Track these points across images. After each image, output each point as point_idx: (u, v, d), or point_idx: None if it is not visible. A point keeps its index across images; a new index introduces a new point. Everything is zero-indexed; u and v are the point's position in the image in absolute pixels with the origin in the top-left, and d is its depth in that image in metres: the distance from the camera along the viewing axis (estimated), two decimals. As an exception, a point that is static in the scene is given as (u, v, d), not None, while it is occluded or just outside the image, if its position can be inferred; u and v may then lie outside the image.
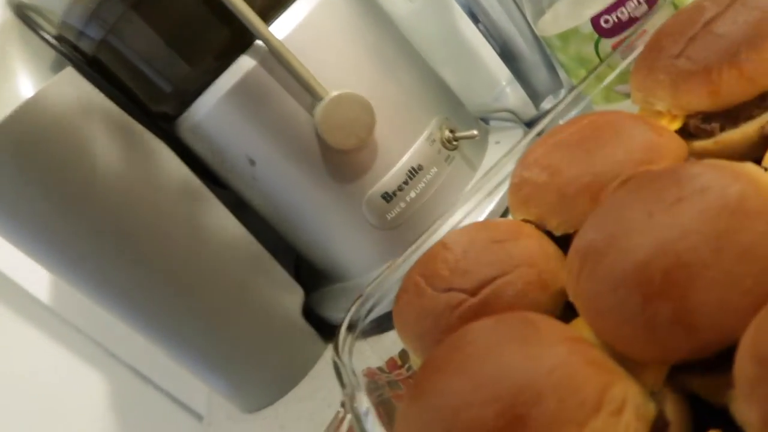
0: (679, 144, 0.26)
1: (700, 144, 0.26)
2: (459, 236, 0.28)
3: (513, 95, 0.54)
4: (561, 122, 0.34)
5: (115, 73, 0.38)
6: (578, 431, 0.17)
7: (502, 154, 0.37)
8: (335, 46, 0.37)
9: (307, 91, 0.35)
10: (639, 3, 0.35)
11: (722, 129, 0.26)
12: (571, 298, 0.22)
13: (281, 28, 0.35)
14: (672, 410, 0.19)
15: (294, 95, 0.36)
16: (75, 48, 0.38)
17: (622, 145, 0.26)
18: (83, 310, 0.59)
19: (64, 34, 0.37)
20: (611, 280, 0.20)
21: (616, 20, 0.35)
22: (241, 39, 0.35)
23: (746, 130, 0.25)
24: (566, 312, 0.24)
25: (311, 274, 0.48)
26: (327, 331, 0.47)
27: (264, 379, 0.45)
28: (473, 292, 0.25)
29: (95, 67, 0.38)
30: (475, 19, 0.40)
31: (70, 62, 0.37)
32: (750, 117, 0.25)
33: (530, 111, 0.46)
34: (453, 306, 0.25)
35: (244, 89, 0.36)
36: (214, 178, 0.43)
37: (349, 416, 0.26)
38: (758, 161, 0.23)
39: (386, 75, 0.39)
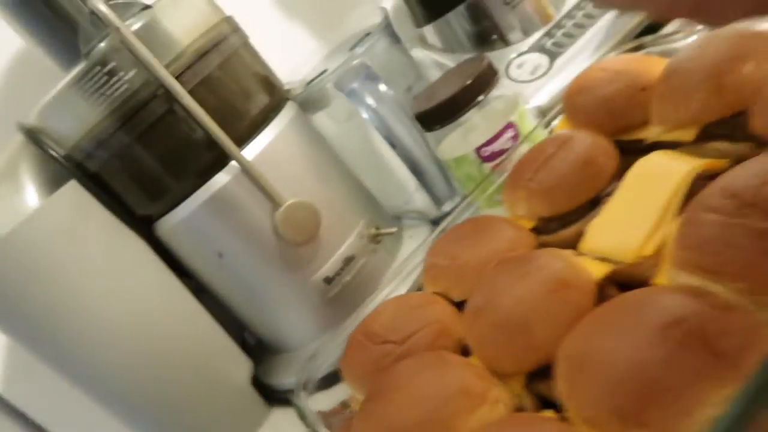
0: (531, 238, 0.39)
1: (544, 238, 0.39)
2: (388, 305, 0.39)
3: (420, 200, 0.67)
4: (458, 221, 0.47)
5: (112, 185, 0.47)
6: (471, 414, 0.28)
7: (414, 246, 0.49)
8: (289, 164, 0.49)
9: (269, 200, 0.46)
10: (507, 139, 0.49)
11: (559, 229, 0.39)
12: (467, 341, 0.33)
13: (250, 151, 0.47)
14: (528, 403, 0.30)
15: (258, 203, 0.47)
16: (79, 165, 0.47)
17: (495, 239, 0.39)
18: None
19: (72, 155, 0.46)
20: (489, 326, 0.31)
21: (493, 150, 0.49)
22: (218, 160, 0.46)
23: (572, 230, 0.38)
24: (464, 352, 0.35)
25: (259, 346, 0.57)
26: (272, 396, 0.55)
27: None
28: (401, 343, 0.36)
29: (95, 180, 0.47)
30: (391, 144, 0.53)
31: (73, 176, 0.46)
32: (576, 221, 0.39)
33: (434, 212, 0.59)
34: (387, 354, 0.36)
35: (218, 199, 0.46)
36: (181, 269, 0.52)
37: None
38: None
39: (327, 186, 0.51)
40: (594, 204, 0.38)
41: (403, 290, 0.45)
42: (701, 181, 0.32)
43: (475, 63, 0.50)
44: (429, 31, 0.65)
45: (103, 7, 0.41)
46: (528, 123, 0.51)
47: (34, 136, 0.46)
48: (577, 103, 0.45)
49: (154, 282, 0.49)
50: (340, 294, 0.50)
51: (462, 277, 0.38)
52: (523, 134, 0.50)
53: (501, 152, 0.49)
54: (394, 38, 0.60)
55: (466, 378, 0.30)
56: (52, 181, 0.47)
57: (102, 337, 0.46)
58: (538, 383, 0.30)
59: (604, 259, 0.33)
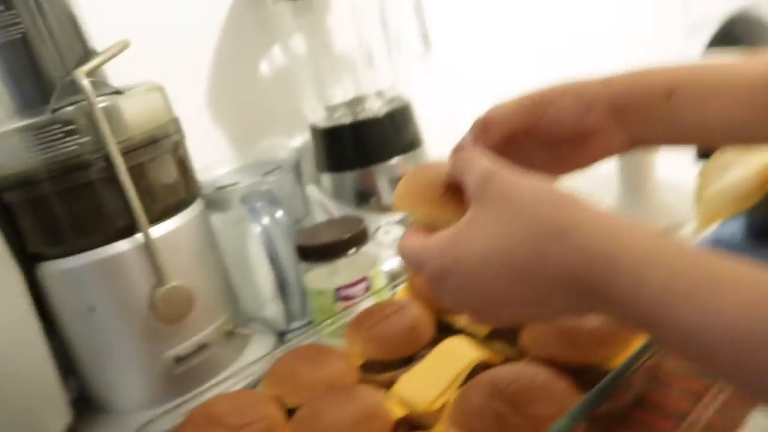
0: (357, 373, 0.51)
1: (367, 375, 0.51)
2: (231, 394, 0.48)
3: (271, 311, 0.77)
4: (303, 342, 0.57)
5: (18, 217, 0.52)
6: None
7: (257, 350, 0.59)
8: (183, 251, 0.57)
9: (156, 276, 0.54)
10: (361, 289, 0.62)
11: (379, 372, 0.52)
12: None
13: (155, 231, 0.54)
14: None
15: (144, 276, 0.54)
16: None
17: (331, 367, 0.50)
18: None
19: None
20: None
21: (347, 294, 0.61)
22: (125, 231, 0.53)
23: (387, 376, 0.50)
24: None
25: (79, 402, 0.60)
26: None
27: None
28: (235, 430, 0.44)
29: (3, 210, 0.52)
30: (271, 259, 0.63)
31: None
32: (393, 370, 0.51)
33: (282, 325, 0.69)
34: (223, 436, 0.44)
35: (112, 262, 0.53)
36: (44, 313, 0.56)
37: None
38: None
39: (207, 277, 0.59)
40: (409, 360, 0.51)
41: (239, 386, 0.53)
42: (481, 367, 0.46)
43: (354, 223, 0.64)
44: (326, 176, 0.79)
45: (85, 82, 0.49)
46: (379, 281, 0.64)
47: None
48: (415, 283, 0.59)
49: (15, 314, 0.52)
50: (184, 374, 0.57)
51: (297, 389, 0.48)
52: (373, 289, 0.63)
53: (352, 297, 0.62)
54: (298, 178, 0.72)
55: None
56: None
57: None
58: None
59: (405, 404, 0.45)
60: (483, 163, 0.34)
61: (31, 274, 0.54)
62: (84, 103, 0.49)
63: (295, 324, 0.68)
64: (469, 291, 0.33)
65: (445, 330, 0.54)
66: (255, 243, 0.74)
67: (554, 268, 0.29)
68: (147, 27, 0.67)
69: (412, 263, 0.36)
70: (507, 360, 0.49)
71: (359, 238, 0.63)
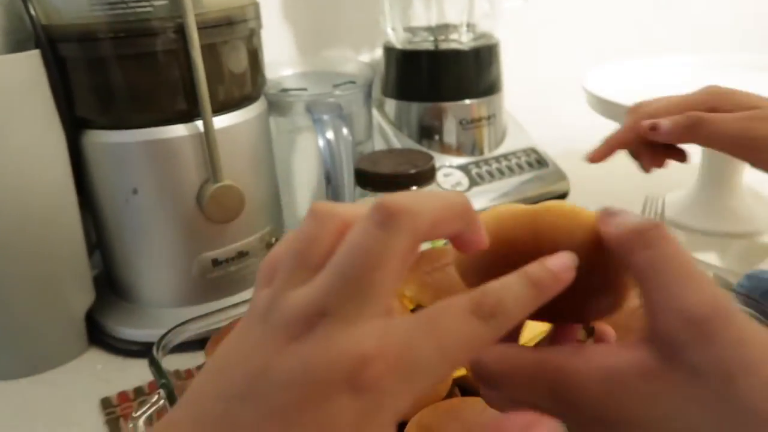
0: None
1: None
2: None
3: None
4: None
5: (71, 76, 0.47)
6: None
7: None
8: (240, 150, 0.52)
9: (210, 171, 0.49)
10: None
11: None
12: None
13: (216, 123, 0.49)
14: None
15: (196, 169, 0.49)
16: (52, 43, 0.46)
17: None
18: None
19: (53, 31, 0.45)
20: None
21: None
22: (185, 114, 0.48)
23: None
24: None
25: (108, 284, 0.57)
26: (95, 336, 0.55)
27: (19, 353, 0.50)
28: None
29: (57, 63, 0.46)
30: (327, 177, 0.58)
31: (41, 48, 0.45)
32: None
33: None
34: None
35: (165, 146, 0.48)
36: (80, 187, 0.51)
37: (162, 402, 0.38)
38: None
39: (258, 183, 0.55)
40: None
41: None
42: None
43: (422, 158, 0.59)
44: (391, 103, 0.73)
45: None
46: (436, 225, 0.60)
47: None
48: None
49: (53, 177, 0.48)
50: (219, 279, 0.53)
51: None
52: (429, 232, 0.58)
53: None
54: (368, 98, 0.67)
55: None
56: (13, 40, 0.46)
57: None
58: None
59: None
60: (704, 287, 0.21)
61: (76, 141, 0.50)
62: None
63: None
64: None
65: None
66: (306, 156, 0.70)
67: None
68: None
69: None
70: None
71: (426, 175, 0.57)
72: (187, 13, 0.45)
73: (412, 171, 0.57)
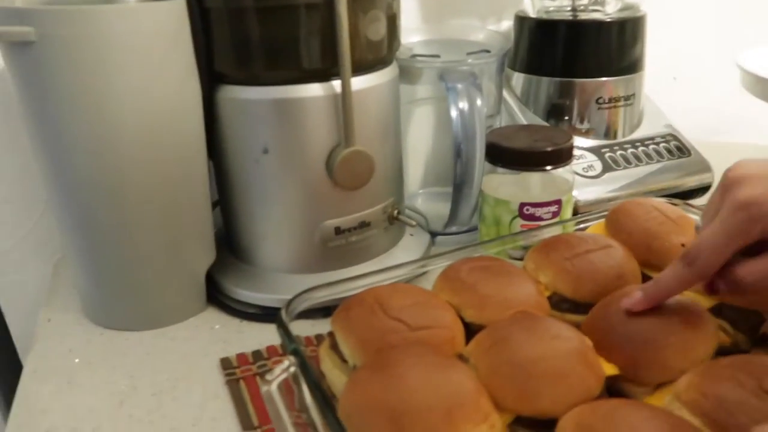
0: (547, 305, 0.43)
1: (553, 311, 0.43)
2: (409, 289, 0.41)
3: (423, 204, 0.70)
4: (465, 254, 0.49)
5: (213, 28, 0.46)
6: (474, 426, 0.31)
7: (411, 243, 0.53)
8: (372, 115, 0.50)
9: (343, 134, 0.47)
10: (548, 212, 0.53)
11: (569, 312, 0.44)
12: (473, 361, 0.36)
13: (356, 82, 0.47)
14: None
15: (328, 131, 0.47)
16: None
17: (521, 289, 0.42)
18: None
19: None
20: (507, 362, 0.34)
21: (533, 213, 0.53)
22: (322, 73, 0.46)
23: (580, 319, 0.43)
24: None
25: (227, 245, 0.56)
26: (212, 296, 0.54)
27: (143, 306, 0.51)
28: (413, 329, 0.38)
29: (202, 14, 0.45)
30: (457, 150, 0.54)
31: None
32: (584, 314, 0.43)
33: (437, 227, 0.62)
34: (396, 331, 0.37)
35: (300, 105, 0.46)
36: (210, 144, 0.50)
37: (293, 369, 0.36)
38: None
39: (386, 151, 0.52)
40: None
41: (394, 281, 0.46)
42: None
43: (562, 136, 0.54)
44: (518, 77, 0.69)
45: None
46: (569, 210, 0.55)
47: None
48: (621, 222, 0.50)
49: (187, 130, 0.47)
50: (339, 248, 0.51)
51: (482, 305, 0.41)
52: (562, 217, 0.54)
53: (537, 219, 0.53)
54: (501, 69, 0.62)
55: (476, 392, 0.32)
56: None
57: (112, 150, 0.44)
58: (519, 428, 0.34)
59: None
60: None
61: (211, 96, 0.49)
62: None
63: (452, 229, 0.61)
64: None
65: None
66: (426, 127, 0.66)
67: None
68: None
69: None
70: (733, 345, 0.40)
71: (563, 155, 0.53)
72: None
73: (549, 149, 0.53)
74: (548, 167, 0.53)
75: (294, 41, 0.45)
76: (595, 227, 0.53)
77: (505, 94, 0.69)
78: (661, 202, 0.52)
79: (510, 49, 0.68)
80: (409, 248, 0.57)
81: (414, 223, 0.55)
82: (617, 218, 0.51)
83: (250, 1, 0.44)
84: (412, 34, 0.64)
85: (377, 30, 0.49)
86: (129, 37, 0.42)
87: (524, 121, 0.66)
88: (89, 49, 0.41)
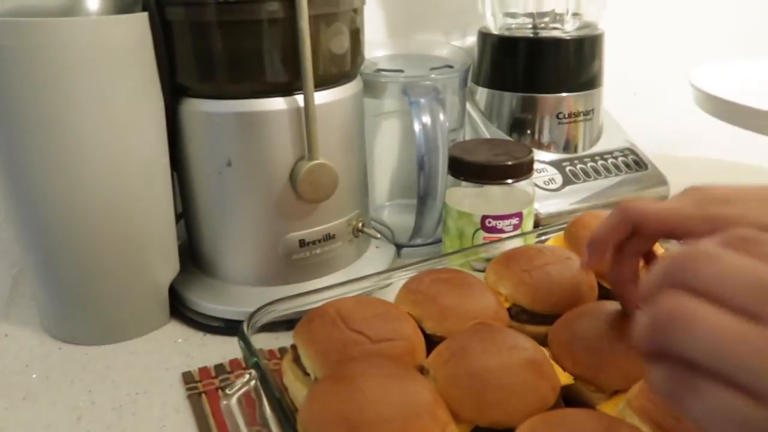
0: (507, 316, 0.44)
1: (513, 322, 0.44)
2: (370, 302, 0.41)
3: (389, 217, 0.71)
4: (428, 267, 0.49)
5: (176, 42, 0.46)
6: (432, 435, 0.31)
7: (375, 255, 0.54)
8: (335, 129, 0.50)
9: (306, 148, 0.47)
10: (510, 224, 0.54)
11: (528, 323, 0.45)
12: (432, 372, 0.37)
13: (320, 96, 0.47)
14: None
15: (292, 144, 0.48)
16: (160, 6, 0.45)
17: (481, 300, 0.43)
18: None
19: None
20: (466, 374, 0.35)
21: (494, 226, 0.54)
22: (285, 87, 0.47)
23: (540, 330, 0.44)
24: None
25: (190, 258, 0.56)
26: (175, 309, 0.54)
27: (104, 319, 0.50)
28: (374, 341, 0.38)
29: (163, 27, 0.45)
30: (420, 163, 0.55)
31: (149, 11, 0.44)
32: (542, 325, 0.44)
33: (402, 239, 0.62)
34: (357, 343, 0.38)
35: (265, 119, 0.47)
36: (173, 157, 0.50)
37: (253, 382, 0.36)
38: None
39: (350, 164, 0.52)
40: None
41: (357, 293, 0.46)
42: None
43: (522, 150, 0.55)
44: (482, 92, 0.70)
45: None
46: (530, 222, 0.56)
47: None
48: (579, 235, 0.51)
49: (149, 143, 0.47)
50: (304, 261, 0.52)
51: (443, 316, 0.41)
52: (523, 229, 0.55)
53: (498, 231, 0.54)
54: (464, 84, 0.64)
55: (434, 403, 0.33)
56: (121, 1, 0.45)
57: (71, 162, 0.44)
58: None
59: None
60: None
61: (174, 108, 0.49)
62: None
63: (419, 241, 0.62)
64: None
65: (605, 297, 0.46)
66: (392, 139, 0.67)
67: None
68: None
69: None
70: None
71: (524, 168, 0.54)
72: (298, -20, 0.43)
73: (510, 162, 0.54)
74: (509, 180, 0.54)
75: (257, 55, 0.46)
76: (556, 239, 0.54)
77: (469, 108, 0.70)
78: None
79: (473, 64, 0.69)
80: (374, 260, 0.57)
81: (378, 235, 0.55)
82: (575, 230, 0.52)
83: (213, 15, 0.45)
84: (377, 48, 0.65)
85: (340, 43, 0.49)
86: (89, 49, 0.42)
87: (488, 135, 0.68)
88: (48, 61, 0.41)
